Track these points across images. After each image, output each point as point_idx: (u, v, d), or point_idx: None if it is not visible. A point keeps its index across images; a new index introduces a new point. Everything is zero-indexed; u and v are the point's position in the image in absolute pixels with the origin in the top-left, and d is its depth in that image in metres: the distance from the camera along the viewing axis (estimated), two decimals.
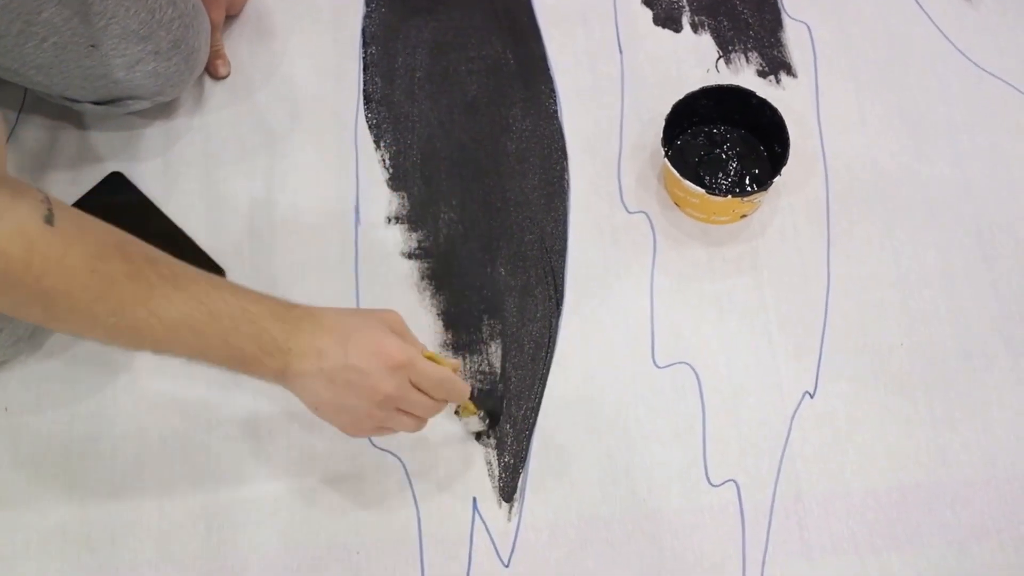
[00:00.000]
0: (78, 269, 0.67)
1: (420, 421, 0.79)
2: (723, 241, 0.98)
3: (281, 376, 0.74)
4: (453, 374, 0.79)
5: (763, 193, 0.94)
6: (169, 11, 0.92)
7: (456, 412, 0.88)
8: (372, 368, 0.73)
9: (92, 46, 0.88)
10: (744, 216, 0.98)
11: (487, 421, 0.91)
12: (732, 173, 0.99)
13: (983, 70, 1.06)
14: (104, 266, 0.68)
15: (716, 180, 0.98)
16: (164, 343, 0.72)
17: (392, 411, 0.76)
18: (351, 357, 0.73)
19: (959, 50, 1.07)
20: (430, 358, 0.78)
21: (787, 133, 0.94)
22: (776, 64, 1.07)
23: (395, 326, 0.77)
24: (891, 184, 1.01)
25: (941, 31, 1.08)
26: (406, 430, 0.79)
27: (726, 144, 1.00)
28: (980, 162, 1.02)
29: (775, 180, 0.92)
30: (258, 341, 0.72)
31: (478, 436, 0.91)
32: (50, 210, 0.67)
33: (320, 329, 0.74)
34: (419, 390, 0.77)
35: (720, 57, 1.07)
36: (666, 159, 0.94)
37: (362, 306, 0.95)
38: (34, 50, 0.86)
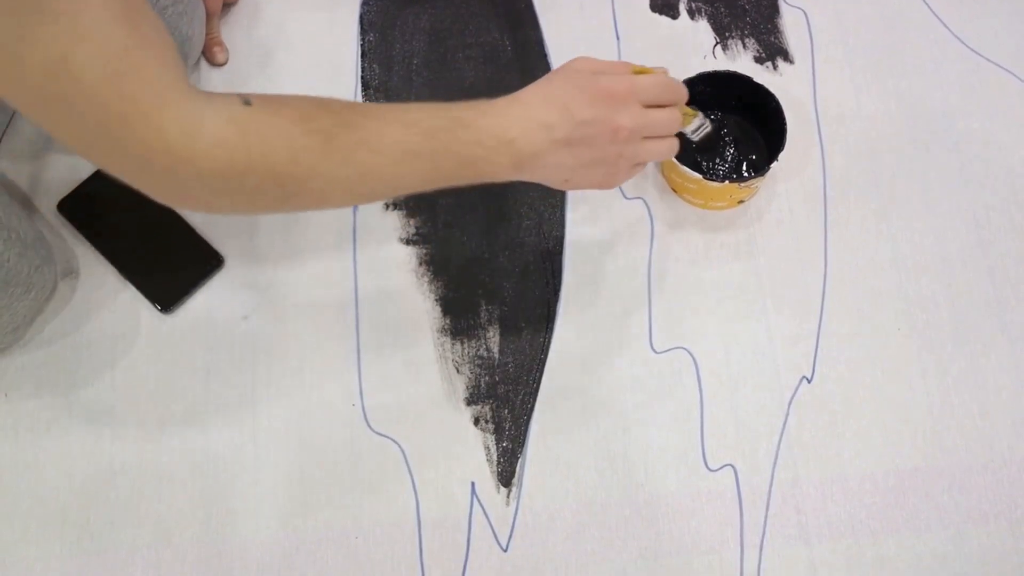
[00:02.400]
0: (294, 134, 0.67)
1: (670, 140, 0.78)
2: (720, 227, 0.98)
3: (516, 168, 0.73)
4: (668, 75, 0.78)
5: (760, 179, 0.94)
6: None
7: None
8: (601, 112, 0.72)
9: None
10: (741, 202, 0.98)
11: (707, 128, 0.86)
12: (729, 159, 0.99)
13: (980, 56, 1.06)
14: (314, 124, 0.67)
15: (713, 166, 0.98)
16: (395, 179, 0.71)
17: (639, 142, 0.75)
18: (577, 114, 0.72)
19: (956, 36, 1.07)
20: (639, 71, 0.77)
21: (784, 119, 0.94)
22: (773, 50, 1.07)
23: (592, 66, 0.75)
24: (888, 170, 1.01)
25: (938, 17, 1.08)
26: (662, 157, 0.79)
27: (723, 130, 1.00)
28: (977, 148, 1.02)
29: (772, 166, 0.92)
30: (480, 143, 0.71)
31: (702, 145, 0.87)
32: (242, 95, 0.66)
33: (533, 106, 0.73)
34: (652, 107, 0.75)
35: (717, 43, 1.07)
36: None
37: (360, 295, 0.95)
38: None
